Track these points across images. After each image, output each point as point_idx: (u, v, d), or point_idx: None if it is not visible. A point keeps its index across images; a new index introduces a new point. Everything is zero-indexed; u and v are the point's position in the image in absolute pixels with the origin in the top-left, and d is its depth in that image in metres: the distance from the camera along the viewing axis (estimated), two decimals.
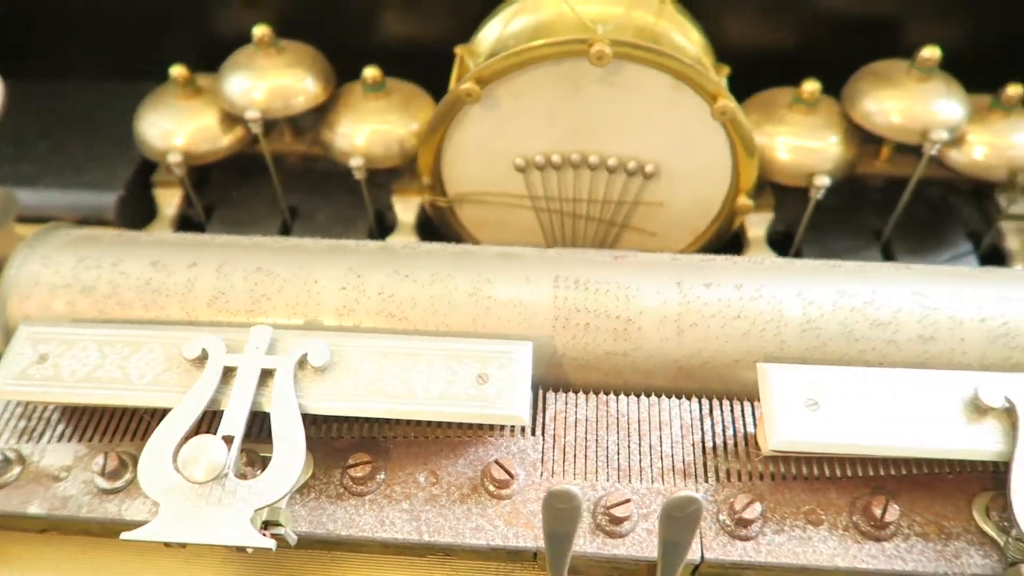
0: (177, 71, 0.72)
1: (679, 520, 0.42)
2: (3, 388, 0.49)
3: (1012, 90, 0.70)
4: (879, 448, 0.46)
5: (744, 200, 0.69)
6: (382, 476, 0.49)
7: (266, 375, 0.48)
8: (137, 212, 0.76)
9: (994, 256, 0.76)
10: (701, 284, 0.55)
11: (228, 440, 0.44)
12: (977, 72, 0.73)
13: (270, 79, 0.71)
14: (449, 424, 0.51)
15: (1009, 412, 0.46)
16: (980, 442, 0.46)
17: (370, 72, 0.71)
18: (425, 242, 0.63)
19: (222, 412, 0.46)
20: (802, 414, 0.47)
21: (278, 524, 0.44)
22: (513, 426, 0.51)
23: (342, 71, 0.76)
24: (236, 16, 0.85)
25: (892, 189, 0.78)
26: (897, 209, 0.73)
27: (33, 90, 0.83)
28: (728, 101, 0.62)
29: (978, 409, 0.47)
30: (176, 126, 0.72)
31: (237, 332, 0.49)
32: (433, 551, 0.48)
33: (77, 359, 0.49)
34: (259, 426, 0.50)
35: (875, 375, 0.48)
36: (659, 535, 0.43)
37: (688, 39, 0.71)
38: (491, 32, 0.69)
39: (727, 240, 0.75)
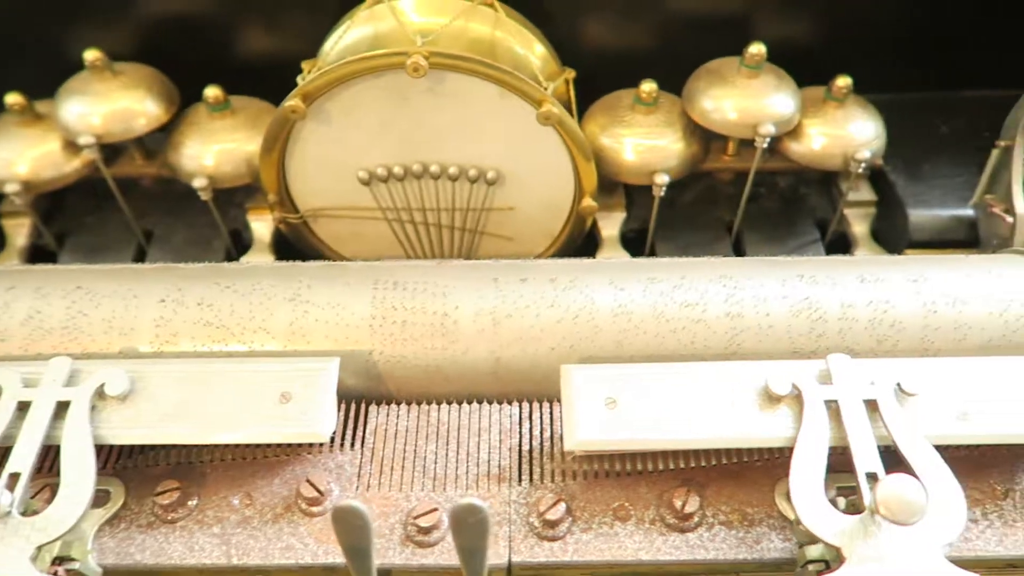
0: (12, 99, 0.70)
1: (471, 527, 0.43)
2: None
3: (841, 81, 0.72)
4: (676, 442, 0.47)
5: (588, 202, 0.70)
6: (195, 502, 0.49)
7: (64, 408, 0.47)
8: None
9: (841, 242, 0.78)
10: (517, 279, 0.56)
11: (15, 477, 0.44)
12: (823, 64, 0.76)
13: (108, 103, 0.70)
14: (268, 444, 0.51)
15: (798, 398, 0.48)
16: (773, 429, 0.47)
17: (211, 91, 0.71)
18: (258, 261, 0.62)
19: None
20: (599, 413, 0.48)
21: (72, 559, 0.43)
22: (333, 442, 0.52)
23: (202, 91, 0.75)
24: (89, 40, 0.83)
25: (743, 183, 0.80)
26: (741, 202, 0.75)
27: None
28: (552, 107, 0.62)
29: (770, 398, 0.48)
30: (15, 155, 0.71)
31: (38, 365, 0.49)
32: (247, 574, 0.48)
33: None
34: None
35: (673, 370, 0.49)
36: (455, 543, 0.43)
37: (528, 47, 0.72)
38: (329, 46, 0.69)
39: (583, 240, 0.76)
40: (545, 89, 0.65)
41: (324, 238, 0.76)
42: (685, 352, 0.54)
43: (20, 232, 0.76)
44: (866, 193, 0.77)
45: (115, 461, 0.50)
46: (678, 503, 0.48)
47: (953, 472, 0.50)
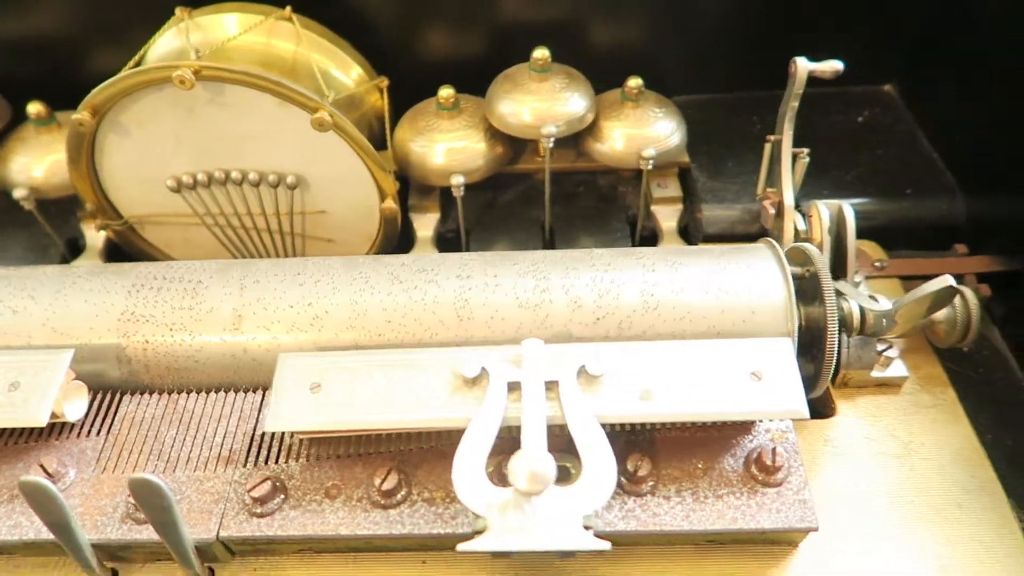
0: None
1: (154, 503, 0.46)
2: None
3: (632, 82, 0.75)
4: (372, 423, 0.50)
5: (388, 204, 0.74)
6: None
7: None
8: None
9: (652, 239, 0.81)
10: (273, 264, 0.61)
11: None
12: (647, 67, 0.79)
13: None
14: (23, 430, 0.55)
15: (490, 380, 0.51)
16: (462, 411, 0.50)
17: (34, 108, 0.75)
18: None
19: None
20: (302, 397, 0.51)
21: None
22: (82, 428, 0.56)
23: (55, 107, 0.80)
24: None
25: (562, 183, 0.84)
26: (545, 201, 0.78)
27: None
28: (325, 114, 0.66)
29: (465, 381, 0.51)
30: None
31: None
32: None
33: None
34: None
35: (382, 356, 0.53)
36: (146, 517, 0.47)
37: (335, 61, 0.76)
38: (141, 58, 0.74)
39: (399, 240, 0.79)
40: (326, 97, 0.68)
41: (155, 243, 0.80)
42: (415, 307, 0.57)
43: None
44: (674, 190, 0.80)
45: None
46: (377, 481, 0.51)
47: (659, 450, 0.54)
